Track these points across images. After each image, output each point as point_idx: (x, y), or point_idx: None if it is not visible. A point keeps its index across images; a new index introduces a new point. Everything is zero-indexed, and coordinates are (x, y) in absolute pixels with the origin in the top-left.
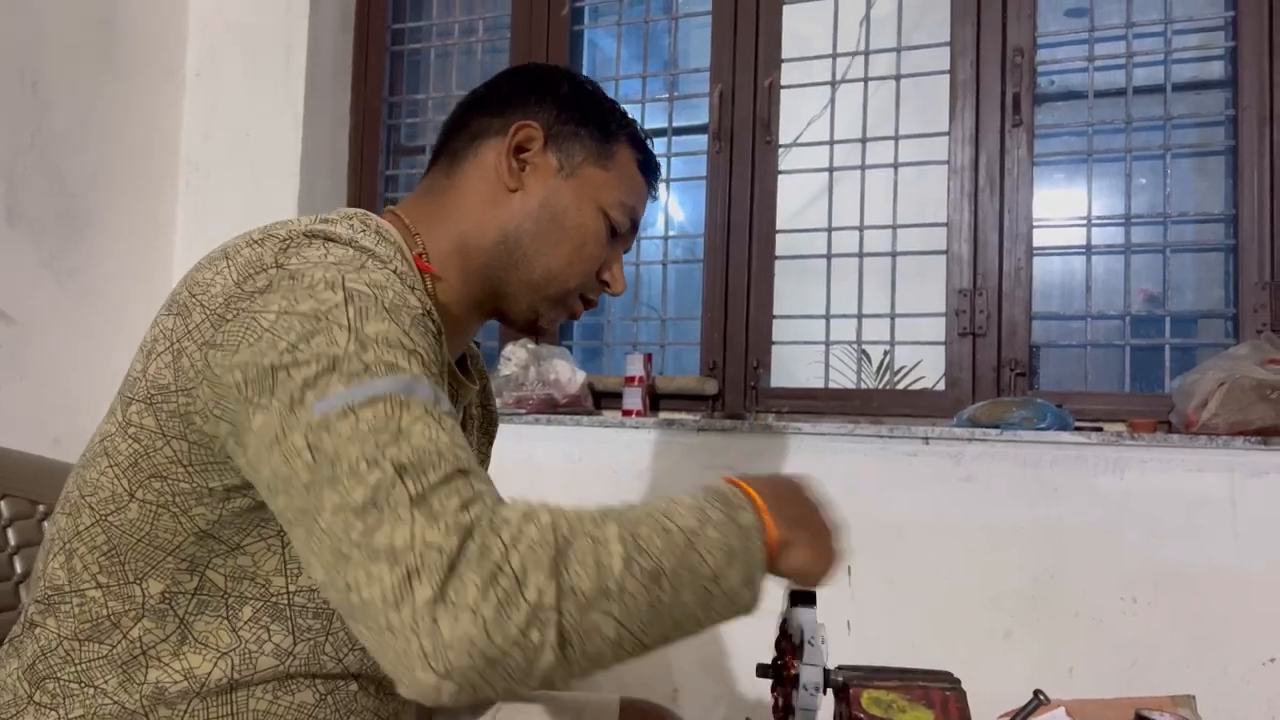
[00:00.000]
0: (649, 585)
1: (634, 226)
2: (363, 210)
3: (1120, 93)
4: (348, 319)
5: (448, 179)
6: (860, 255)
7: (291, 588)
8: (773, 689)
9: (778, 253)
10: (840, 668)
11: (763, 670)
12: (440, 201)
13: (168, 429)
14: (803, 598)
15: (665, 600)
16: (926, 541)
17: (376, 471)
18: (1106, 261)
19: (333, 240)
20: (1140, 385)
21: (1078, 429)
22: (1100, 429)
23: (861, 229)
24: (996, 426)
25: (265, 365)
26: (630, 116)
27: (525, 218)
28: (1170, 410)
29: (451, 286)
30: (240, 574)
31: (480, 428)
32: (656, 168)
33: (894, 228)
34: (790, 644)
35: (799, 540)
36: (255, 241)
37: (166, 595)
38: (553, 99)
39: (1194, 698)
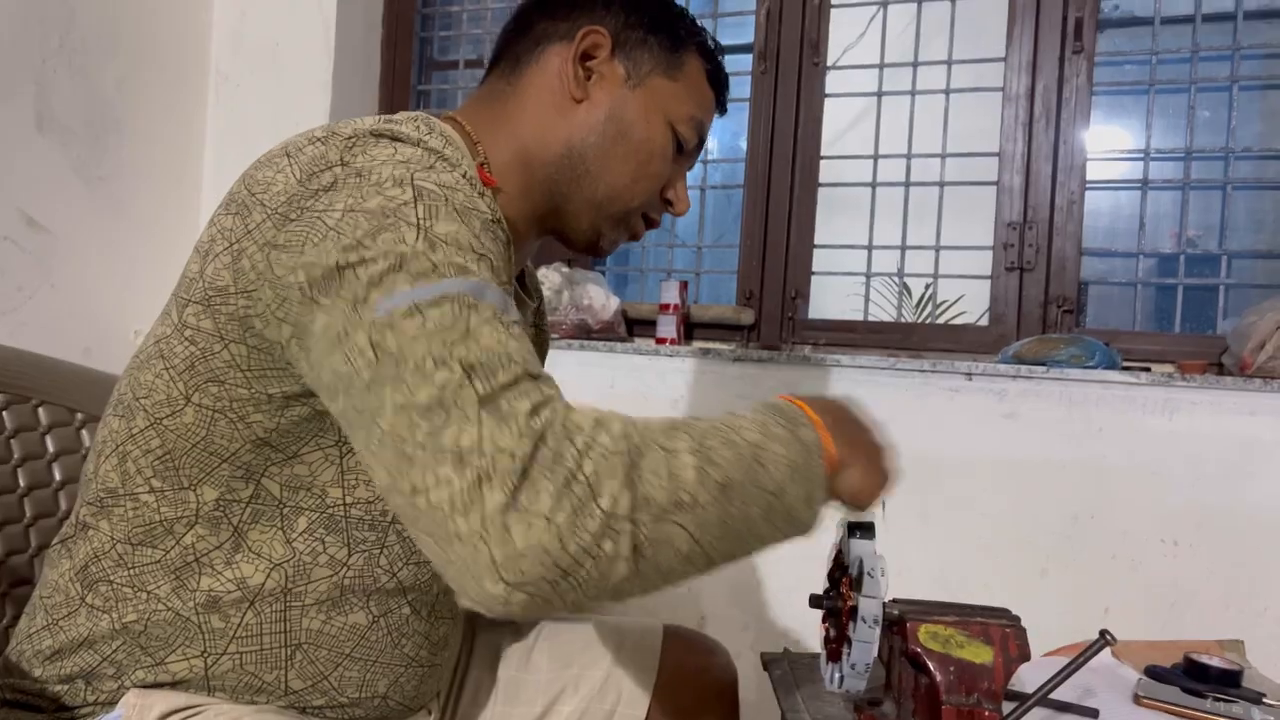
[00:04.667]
0: (719, 497)
1: (700, 142)
2: (425, 113)
3: (1188, 19)
4: (416, 217)
5: (509, 85)
6: (906, 185)
7: (349, 499)
8: (824, 619)
9: (821, 180)
10: (895, 600)
11: (815, 600)
12: (502, 109)
13: (226, 332)
14: (861, 528)
15: (734, 513)
16: (965, 478)
17: (443, 370)
18: (1155, 197)
19: (400, 140)
20: (1190, 326)
21: (1125, 368)
22: (1148, 369)
23: (909, 157)
24: (1043, 364)
25: (330, 264)
26: (699, 24)
27: (590, 130)
28: (1222, 352)
29: (512, 200)
30: (297, 483)
31: (534, 344)
32: (726, 81)
33: (943, 156)
34: (847, 575)
35: (854, 461)
36: (319, 139)
37: (221, 503)
38: (621, 3)
39: (1242, 643)
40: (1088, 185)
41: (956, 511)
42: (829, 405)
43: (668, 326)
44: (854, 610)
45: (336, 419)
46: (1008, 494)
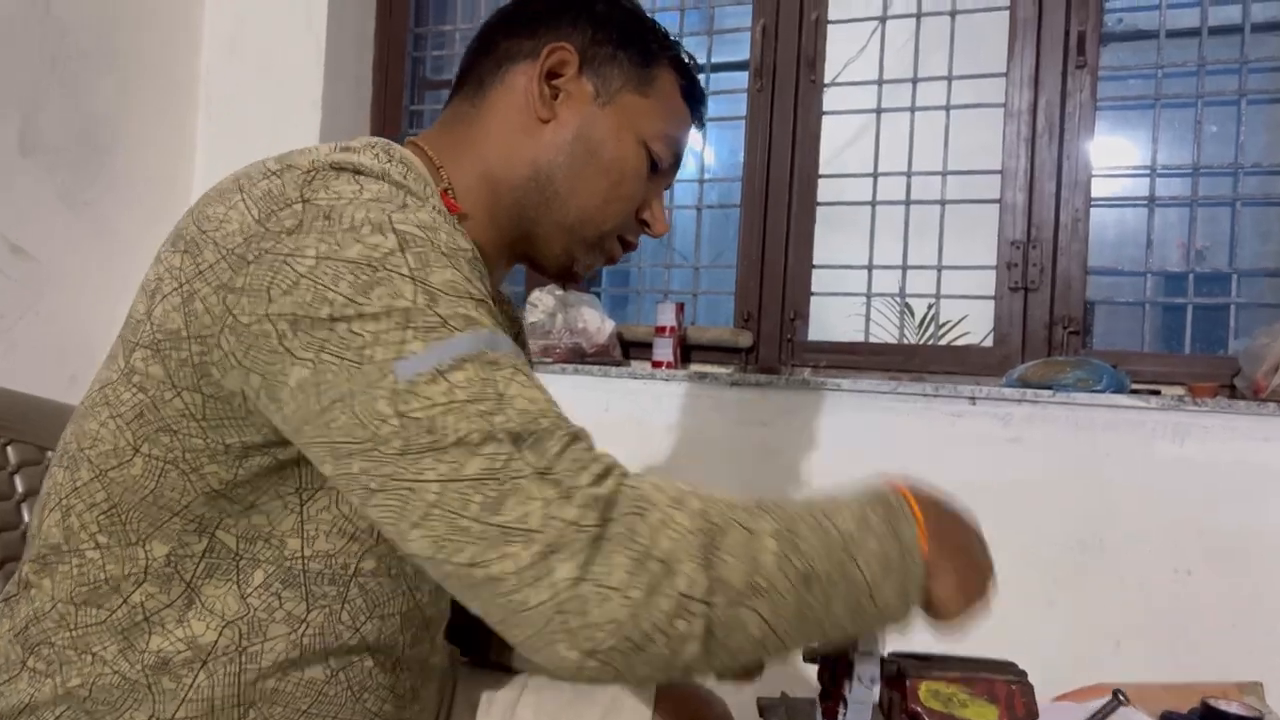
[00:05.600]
0: (800, 587)
1: (676, 161)
2: (384, 139)
3: (1193, 33)
4: (408, 267)
5: (473, 108)
6: (907, 203)
7: (307, 551)
8: (820, 672)
9: (819, 198)
10: (894, 655)
11: (811, 655)
12: (465, 133)
13: (179, 379)
14: None
15: (815, 605)
16: (969, 505)
17: (491, 444)
18: (1161, 214)
19: (362, 173)
20: (1199, 346)
21: (1133, 392)
22: (1158, 392)
23: (909, 175)
24: (1049, 387)
25: (317, 317)
26: (672, 38)
27: (558, 151)
28: (1234, 374)
29: (479, 226)
30: (254, 534)
31: None
32: (702, 95)
33: (944, 174)
34: None
35: (945, 569)
36: (273, 173)
37: (172, 558)
38: (588, 18)
39: (1261, 685)
40: (1093, 202)
41: None
42: (936, 504)
43: (664, 349)
44: (850, 668)
45: (341, 481)
46: (1013, 522)
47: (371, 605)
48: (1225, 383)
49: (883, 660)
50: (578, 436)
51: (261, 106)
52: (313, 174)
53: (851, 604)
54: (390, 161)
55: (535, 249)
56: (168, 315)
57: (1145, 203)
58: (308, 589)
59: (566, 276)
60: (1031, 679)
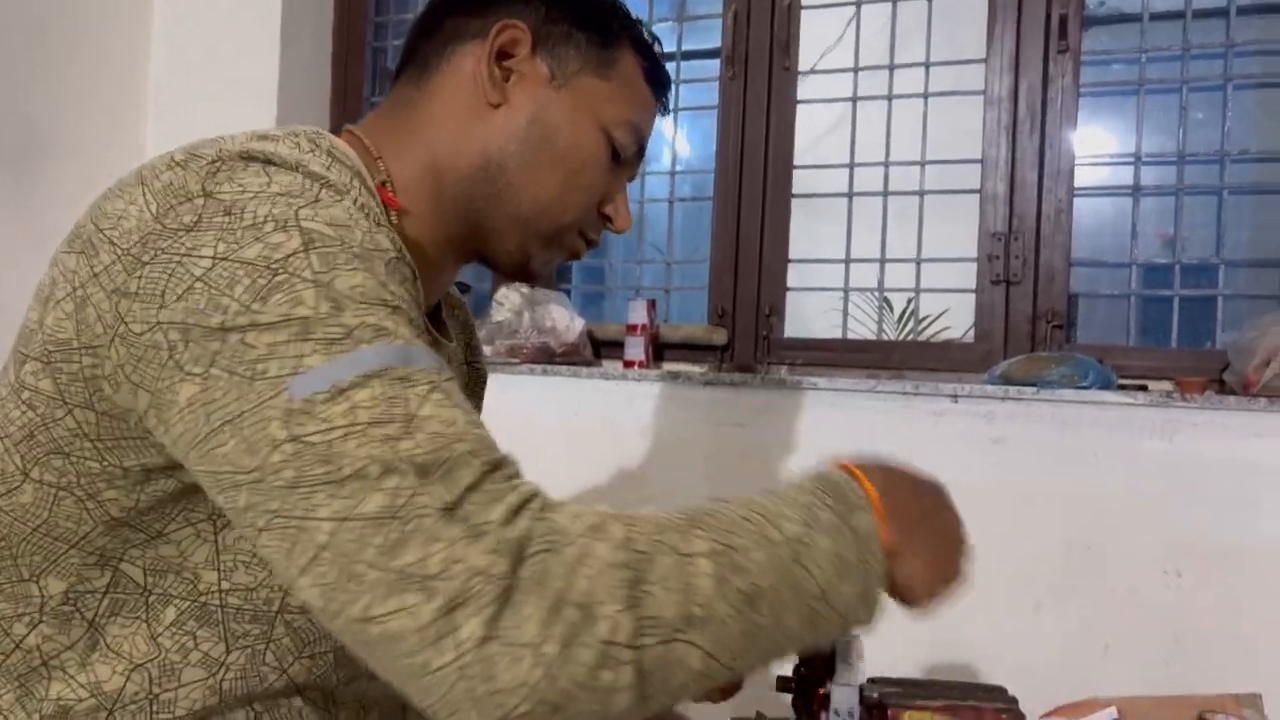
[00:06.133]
0: (744, 608)
1: (640, 149)
2: (314, 128)
3: (1178, 15)
4: (311, 270)
5: (417, 92)
6: (885, 194)
7: (224, 585)
8: (794, 701)
9: (794, 190)
10: (874, 681)
11: (784, 684)
12: (408, 119)
13: (70, 395)
14: None
15: (764, 624)
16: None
17: (393, 477)
18: (1142, 204)
19: (274, 164)
20: (1186, 340)
21: (1120, 388)
22: (1145, 388)
23: (887, 165)
24: (1033, 384)
25: (209, 326)
26: (634, 16)
27: (510, 138)
28: (1223, 368)
29: (422, 222)
30: (164, 566)
31: (465, 389)
32: (667, 79)
33: (922, 164)
34: (819, 654)
35: (911, 550)
36: (177, 164)
37: (71, 595)
38: None
39: (1260, 697)
40: (1076, 192)
41: None
42: (893, 479)
43: (636, 348)
44: (826, 699)
45: (229, 514)
46: (997, 524)
47: (300, 644)
48: (1214, 377)
49: (861, 689)
50: (498, 465)
51: (213, 103)
52: (218, 164)
53: (806, 615)
54: (314, 151)
55: (487, 245)
56: (59, 323)
57: (1129, 192)
58: (226, 627)
59: (522, 275)
60: (1018, 686)
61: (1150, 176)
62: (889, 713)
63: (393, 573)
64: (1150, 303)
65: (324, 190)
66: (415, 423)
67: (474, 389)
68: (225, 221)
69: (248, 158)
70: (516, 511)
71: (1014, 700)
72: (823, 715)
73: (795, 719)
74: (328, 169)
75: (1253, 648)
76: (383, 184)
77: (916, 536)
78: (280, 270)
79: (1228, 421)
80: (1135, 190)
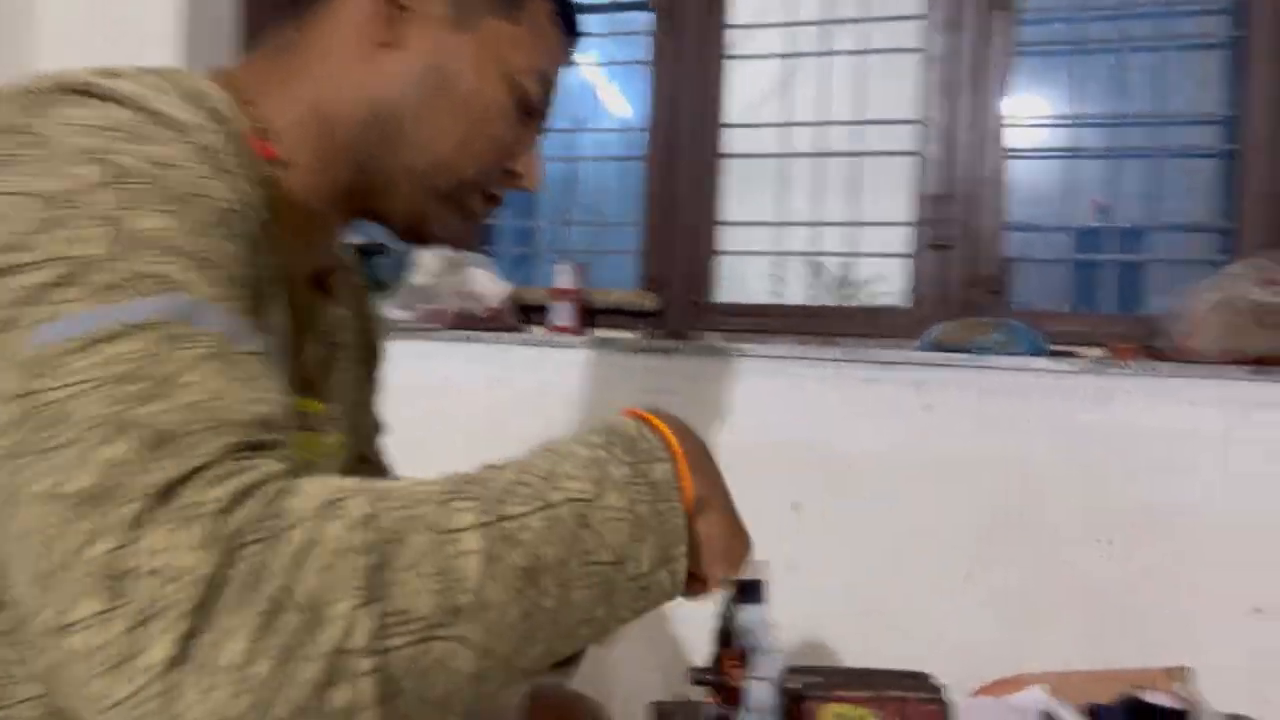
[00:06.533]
0: (523, 589)
1: (550, 101)
2: (176, 67)
3: None
4: (108, 206)
5: (298, 32)
6: (819, 155)
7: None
8: (719, 700)
9: (727, 150)
10: (794, 670)
11: (699, 677)
12: (289, 62)
13: None
14: (746, 590)
15: (548, 606)
16: (882, 475)
17: (118, 445)
18: (1073, 167)
19: (110, 99)
20: (1112, 304)
21: (1053, 354)
22: (1076, 354)
23: (822, 125)
24: (966, 350)
25: None
26: None
27: (404, 84)
28: (1154, 334)
29: (305, 174)
30: None
31: (358, 360)
32: (581, 24)
33: (858, 124)
34: (734, 649)
35: (713, 507)
36: (4, 98)
37: None
38: None
39: (1187, 669)
40: (1012, 154)
41: (872, 512)
42: (688, 430)
43: (563, 314)
44: (740, 693)
45: None
46: (928, 492)
47: None
48: (1146, 343)
49: (779, 686)
50: (253, 445)
51: (109, 53)
52: (47, 96)
53: (599, 586)
54: (165, 91)
55: (379, 203)
56: None
57: (1065, 154)
58: None
59: (418, 237)
60: (946, 657)
61: (1081, 140)
62: (808, 705)
63: (89, 569)
64: (1081, 267)
65: (158, 128)
66: (171, 387)
67: (365, 360)
68: (39, 155)
69: (82, 91)
70: (244, 494)
71: (939, 688)
72: (738, 712)
73: (709, 707)
74: (178, 110)
75: (1184, 615)
76: (256, 131)
77: (720, 493)
78: (73, 204)
79: (1160, 388)
80: (1071, 152)
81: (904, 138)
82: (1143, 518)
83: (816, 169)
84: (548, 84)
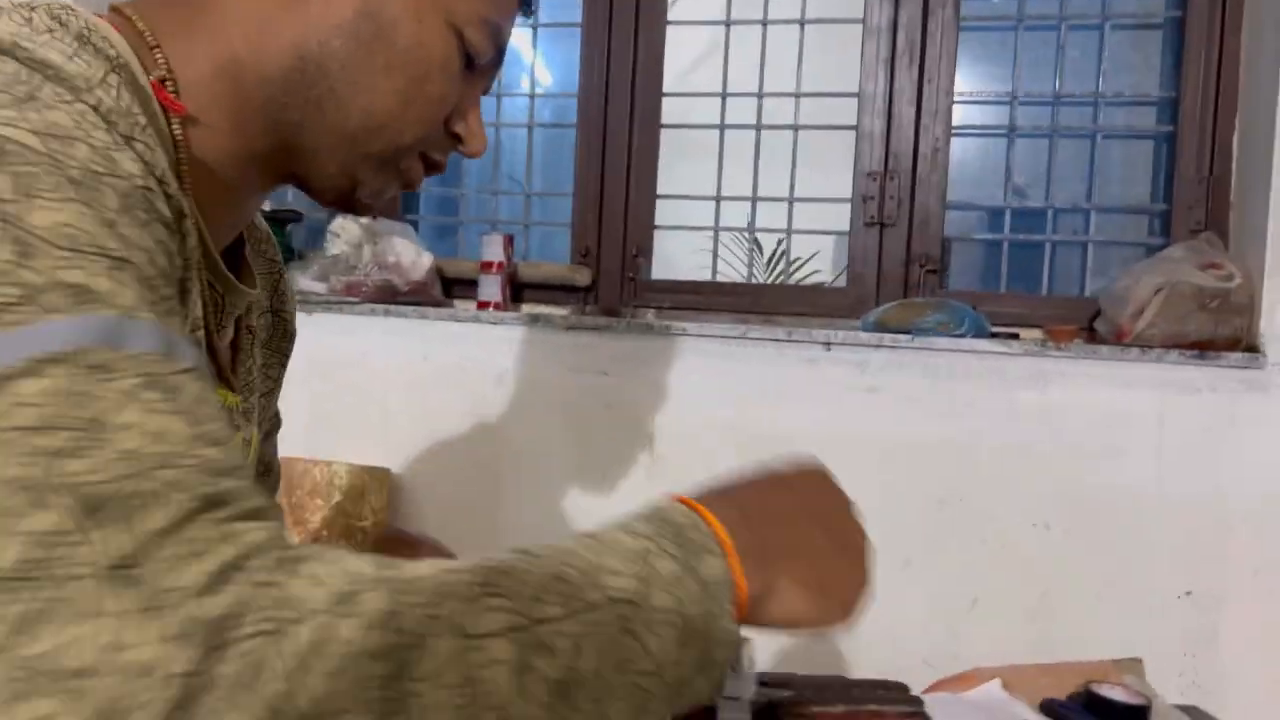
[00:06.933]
0: (554, 704)
1: (499, 55)
2: (66, 3)
3: None
4: None
5: None
6: (758, 128)
7: None
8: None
9: (664, 120)
10: (763, 679)
11: None
12: (201, 2)
13: None
14: None
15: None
16: (822, 458)
17: (43, 514)
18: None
19: None
20: (1038, 285)
21: (993, 335)
22: (1016, 335)
23: (761, 96)
24: (908, 332)
25: None
26: None
27: (333, 32)
28: (1093, 316)
29: (216, 133)
30: None
31: (268, 345)
32: None
33: (797, 96)
34: None
35: (784, 584)
36: None
37: None
38: None
39: (1140, 662)
40: (953, 131)
41: None
42: (748, 503)
43: (491, 288)
44: (710, 712)
45: None
46: (869, 476)
47: None
48: (1084, 325)
49: (751, 705)
50: (217, 501)
51: None
52: None
53: (637, 698)
54: (53, 31)
55: (303, 167)
56: None
57: (1005, 133)
58: None
59: (347, 204)
60: (886, 643)
61: (1011, 118)
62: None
63: (23, 668)
64: (1017, 248)
65: (47, 85)
66: (100, 433)
67: (278, 343)
68: None
69: None
70: (224, 574)
71: (919, 701)
72: None
73: None
74: (69, 57)
75: (1118, 599)
76: (161, 81)
77: (789, 566)
78: None
79: (1099, 371)
80: (1010, 131)
81: (846, 111)
82: (1079, 502)
83: (752, 143)
84: (497, 36)
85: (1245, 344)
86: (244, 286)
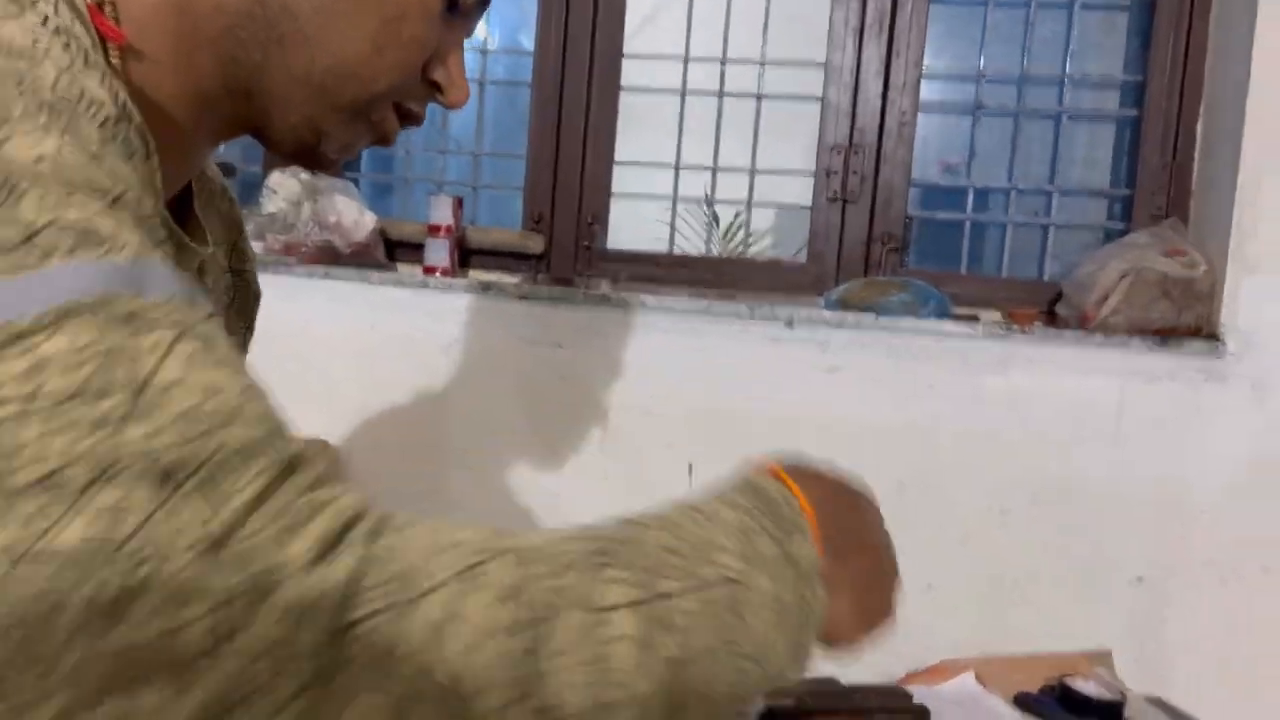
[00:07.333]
0: (671, 685)
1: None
2: None
3: None
4: None
5: None
6: (720, 95)
7: None
8: None
9: (623, 83)
10: None
11: None
12: None
13: None
14: None
15: (689, 705)
16: (779, 439)
17: (111, 489)
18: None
19: None
20: (1008, 268)
21: (956, 318)
22: (976, 318)
23: (724, 62)
24: (871, 311)
25: None
26: None
27: None
28: (1053, 300)
29: (162, 69)
30: None
31: (230, 309)
32: None
33: (762, 63)
34: None
35: (845, 583)
36: None
37: None
38: None
39: (1110, 653)
40: (922, 108)
41: None
42: (826, 489)
43: (439, 252)
44: None
45: None
46: (828, 457)
47: None
48: (1044, 309)
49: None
50: (293, 464)
51: None
52: None
53: (735, 682)
54: None
55: (261, 113)
56: None
57: (970, 111)
58: None
59: (310, 159)
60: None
61: (977, 97)
62: None
63: (108, 657)
64: (977, 228)
65: None
66: (150, 395)
67: (243, 309)
68: None
69: None
70: (335, 543)
71: (923, 710)
72: None
73: None
74: None
75: (1073, 587)
76: (98, 5)
77: (848, 565)
78: None
79: (1063, 357)
80: (976, 109)
81: (812, 81)
82: (1037, 488)
83: (714, 111)
84: None
85: (1206, 332)
86: (194, 244)
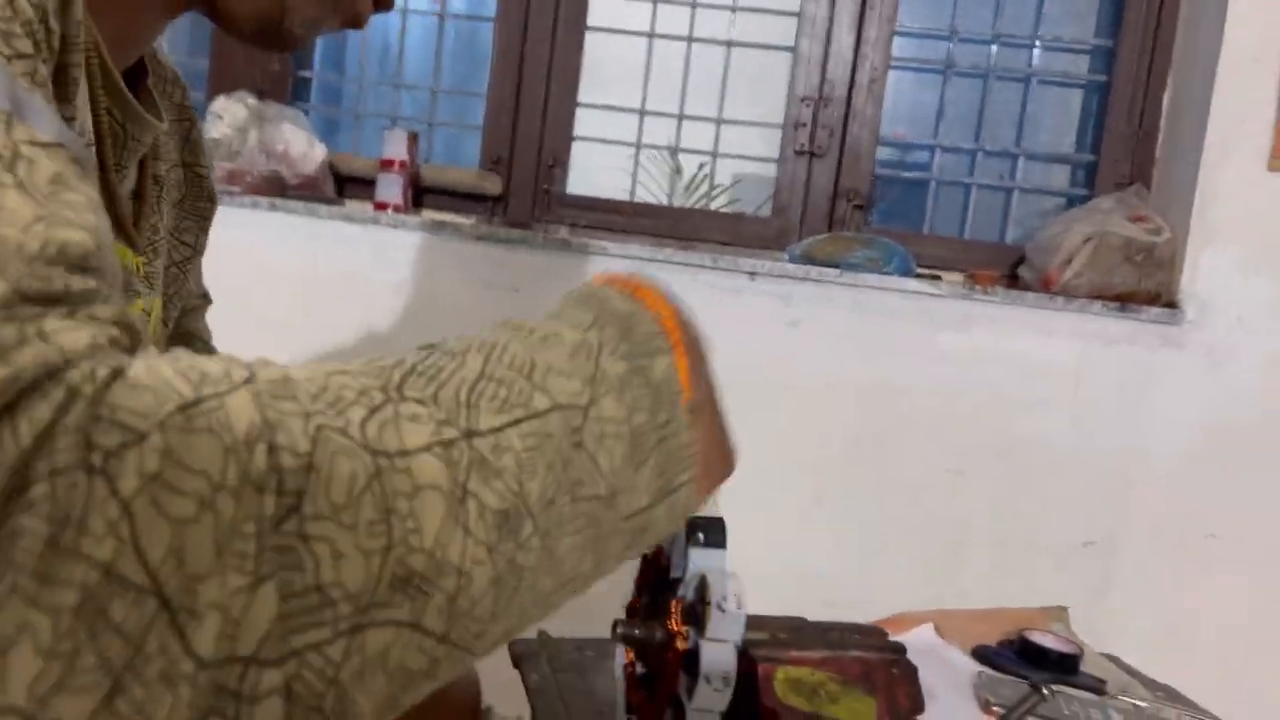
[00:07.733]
0: (496, 545)
1: None
2: None
3: None
4: None
5: None
6: (689, 40)
7: None
8: (635, 656)
9: (590, 23)
10: None
11: (627, 633)
12: None
13: None
14: (706, 528)
15: (526, 564)
16: (738, 392)
17: None
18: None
19: None
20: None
21: (919, 276)
22: (939, 278)
23: (695, 6)
24: (835, 265)
25: None
26: None
27: None
28: (1015, 263)
29: None
30: None
31: (181, 205)
32: None
33: (733, 9)
34: (677, 597)
35: (711, 407)
36: None
37: None
38: None
39: (1066, 610)
40: (893, 64)
41: None
42: (678, 305)
43: (391, 188)
44: (690, 659)
45: None
46: (787, 412)
47: None
48: (1006, 272)
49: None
50: (50, 299)
51: None
52: None
53: (588, 531)
54: None
55: None
56: None
57: (941, 70)
58: None
59: (273, 37)
60: (793, 582)
61: (949, 57)
62: (760, 669)
63: None
64: (941, 189)
65: None
66: None
67: (194, 208)
68: None
69: None
70: (34, 384)
71: (901, 649)
72: (682, 680)
73: (625, 667)
74: None
75: (1024, 548)
76: None
77: (713, 389)
78: None
79: (1023, 318)
80: (946, 68)
81: (784, 30)
82: (992, 448)
83: (686, 54)
84: None
85: (1165, 299)
86: (149, 116)
